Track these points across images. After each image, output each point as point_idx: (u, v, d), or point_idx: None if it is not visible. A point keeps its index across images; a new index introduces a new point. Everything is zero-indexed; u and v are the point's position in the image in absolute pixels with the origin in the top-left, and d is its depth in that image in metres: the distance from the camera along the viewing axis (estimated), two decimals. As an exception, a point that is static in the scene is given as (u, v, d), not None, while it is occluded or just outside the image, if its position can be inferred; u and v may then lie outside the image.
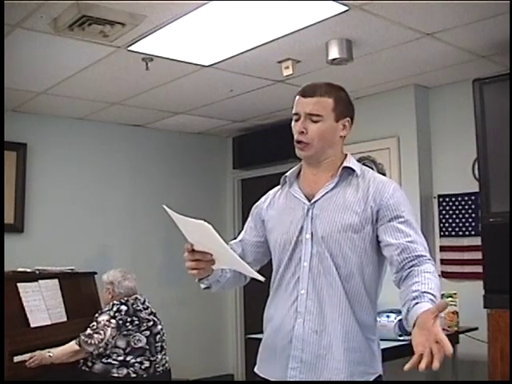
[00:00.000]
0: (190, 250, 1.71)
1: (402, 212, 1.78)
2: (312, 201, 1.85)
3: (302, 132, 1.84)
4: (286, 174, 1.98)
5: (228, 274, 1.91)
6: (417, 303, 1.55)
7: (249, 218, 2.08)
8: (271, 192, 2.05)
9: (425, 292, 1.58)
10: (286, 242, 1.86)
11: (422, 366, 1.38)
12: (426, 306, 1.52)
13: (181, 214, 1.64)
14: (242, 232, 2.07)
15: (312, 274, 1.79)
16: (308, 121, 1.84)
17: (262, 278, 1.74)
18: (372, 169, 2.00)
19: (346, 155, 1.92)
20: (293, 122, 1.90)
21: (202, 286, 1.88)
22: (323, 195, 1.84)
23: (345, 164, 1.87)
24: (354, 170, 1.86)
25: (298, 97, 1.89)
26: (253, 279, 1.85)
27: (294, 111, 1.89)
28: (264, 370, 1.91)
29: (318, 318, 1.77)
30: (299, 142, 1.85)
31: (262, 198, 2.06)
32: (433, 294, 1.58)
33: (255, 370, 1.95)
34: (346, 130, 1.89)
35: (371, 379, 1.79)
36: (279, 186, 2.02)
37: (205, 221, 1.59)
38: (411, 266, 1.70)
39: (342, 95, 1.90)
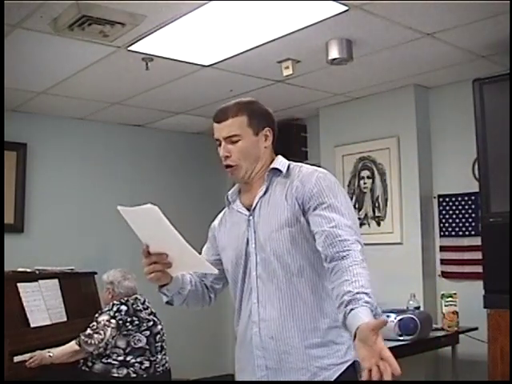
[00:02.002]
0: (146, 252, 1.74)
1: (324, 198, 1.75)
2: (251, 210, 1.89)
3: (227, 156, 1.87)
4: (228, 193, 2.03)
5: (188, 286, 1.93)
6: (352, 309, 1.50)
7: (207, 241, 2.11)
8: (222, 212, 2.09)
9: (358, 293, 1.52)
10: (237, 257, 1.88)
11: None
12: (364, 313, 1.47)
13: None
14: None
15: (261, 282, 1.82)
16: (228, 144, 1.88)
17: (216, 271, 1.80)
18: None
19: (274, 158, 1.93)
20: (218, 148, 1.93)
21: (164, 298, 1.90)
22: (258, 202, 1.88)
23: (271, 166, 1.90)
24: (280, 170, 1.88)
25: (214, 124, 1.93)
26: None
27: (214, 137, 1.93)
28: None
29: (273, 324, 1.79)
30: (227, 166, 1.89)
31: (215, 219, 2.10)
32: (366, 293, 1.52)
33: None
34: (269, 139, 1.92)
35: (343, 369, 1.77)
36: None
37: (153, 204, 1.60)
38: (335, 259, 1.63)
39: (255, 108, 1.92)
